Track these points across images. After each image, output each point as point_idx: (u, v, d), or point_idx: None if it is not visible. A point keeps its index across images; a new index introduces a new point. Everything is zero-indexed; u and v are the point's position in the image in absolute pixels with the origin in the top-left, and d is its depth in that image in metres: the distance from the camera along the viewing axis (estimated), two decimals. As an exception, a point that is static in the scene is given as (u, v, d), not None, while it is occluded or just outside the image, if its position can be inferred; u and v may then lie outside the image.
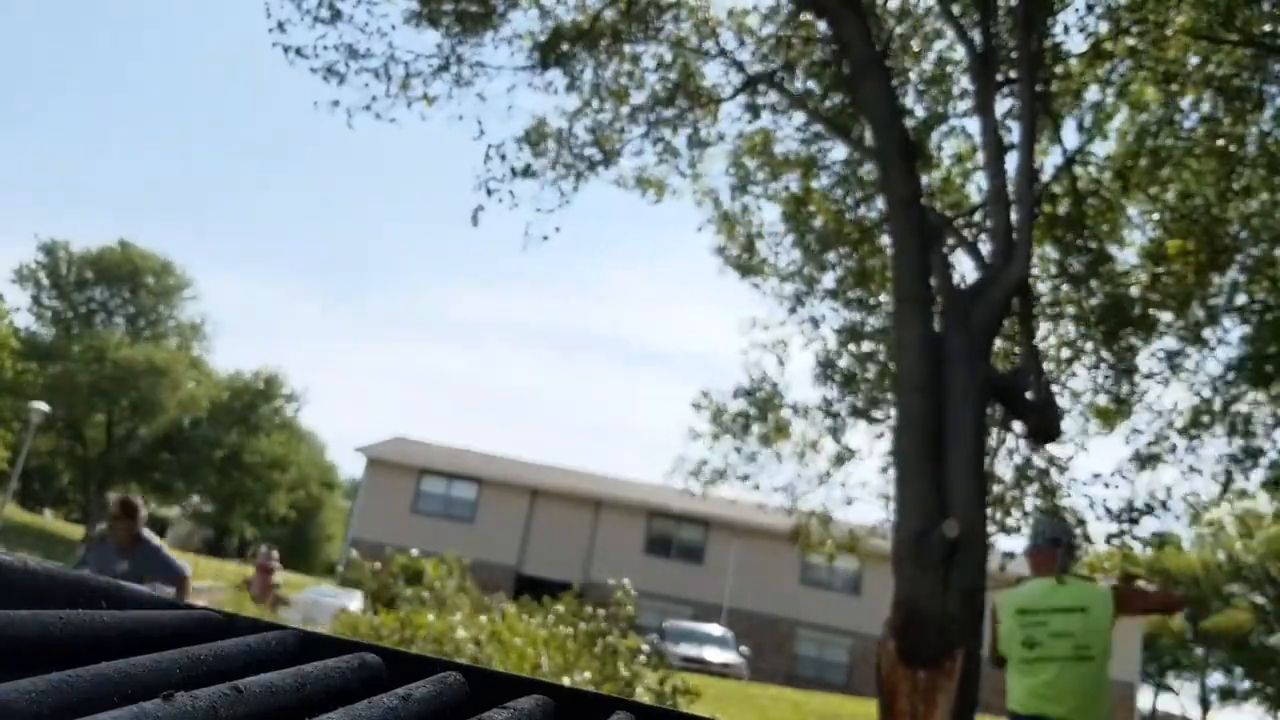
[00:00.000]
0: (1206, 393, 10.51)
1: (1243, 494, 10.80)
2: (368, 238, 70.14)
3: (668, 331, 65.72)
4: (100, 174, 60.48)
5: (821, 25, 8.91)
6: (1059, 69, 9.43)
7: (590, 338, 68.04)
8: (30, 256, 38.46)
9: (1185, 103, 9.88)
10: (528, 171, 9.46)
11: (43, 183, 55.86)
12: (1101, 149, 10.57)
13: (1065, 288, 10.65)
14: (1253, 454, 10.21)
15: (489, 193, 9.30)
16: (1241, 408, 10.39)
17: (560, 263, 66.02)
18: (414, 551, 14.61)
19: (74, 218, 57.85)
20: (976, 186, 10.34)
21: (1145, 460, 10.51)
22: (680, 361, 66.16)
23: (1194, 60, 9.49)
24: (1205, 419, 10.39)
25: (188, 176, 61.44)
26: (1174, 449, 10.56)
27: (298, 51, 8.93)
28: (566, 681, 6.08)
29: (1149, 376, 10.71)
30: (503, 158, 9.41)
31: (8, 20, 50.47)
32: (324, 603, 16.88)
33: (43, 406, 21.89)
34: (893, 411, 8.90)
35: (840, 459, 10.99)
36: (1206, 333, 10.65)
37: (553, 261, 65.95)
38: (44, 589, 0.60)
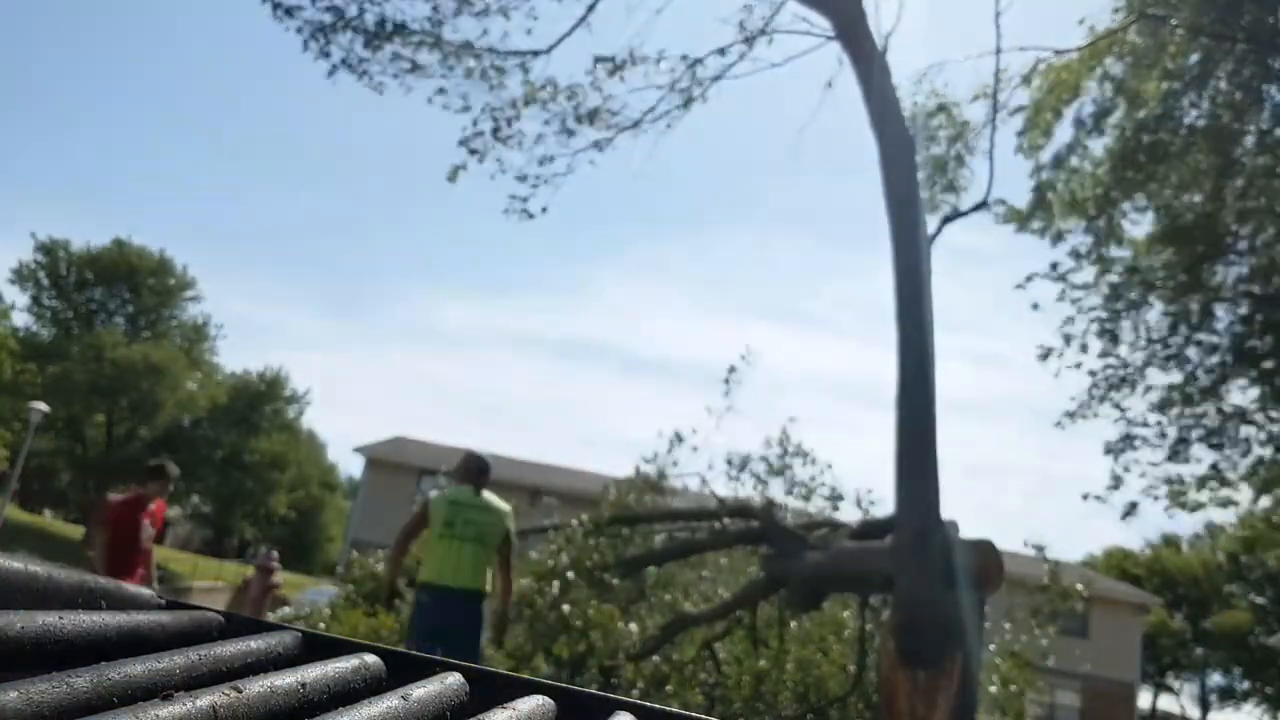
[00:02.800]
0: (1197, 380, 10.60)
1: (1224, 481, 10.86)
2: (362, 244, 70.17)
3: (658, 339, 65.78)
4: (102, 178, 60.50)
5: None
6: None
7: (583, 345, 68.05)
8: (29, 256, 38.42)
9: (1184, 99, 9.90)
10: (511, 137, 9.22)
11: (43, 183, 55.88)
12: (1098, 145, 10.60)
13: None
14: (1241, 444, 10.28)
15: (472, 152, 9.10)
16: (1235, 398, 10.47)
17: (551, 270, 65.99)
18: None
19: (74, 219, 57.92)
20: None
21: (1122, 442, 10.58)
22: (671, 368, 66.14)
23: (1194, 57, 9.50)
24: (1191, 396, 10.49)
25: (188, 182, 61.44)
26: (1162, 435, 10.64)
27: (287, 10, 8.79)
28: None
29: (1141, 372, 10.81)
30: (493, 118, 9.20)
31: (7, 19, 50.49)
32: (324, 604, 16.87)
33: (43, 406, 21.89)
34: None
35: None
36: (1202, 329, 10.74)
37: (544, 269, 65.87)
38: (44, 589, 0.60)
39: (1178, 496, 11.02)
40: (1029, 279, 11.11)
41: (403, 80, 9.28)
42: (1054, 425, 11.15)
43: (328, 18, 8.85)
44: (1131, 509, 11.05)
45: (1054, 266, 11.04)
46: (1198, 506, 10.87)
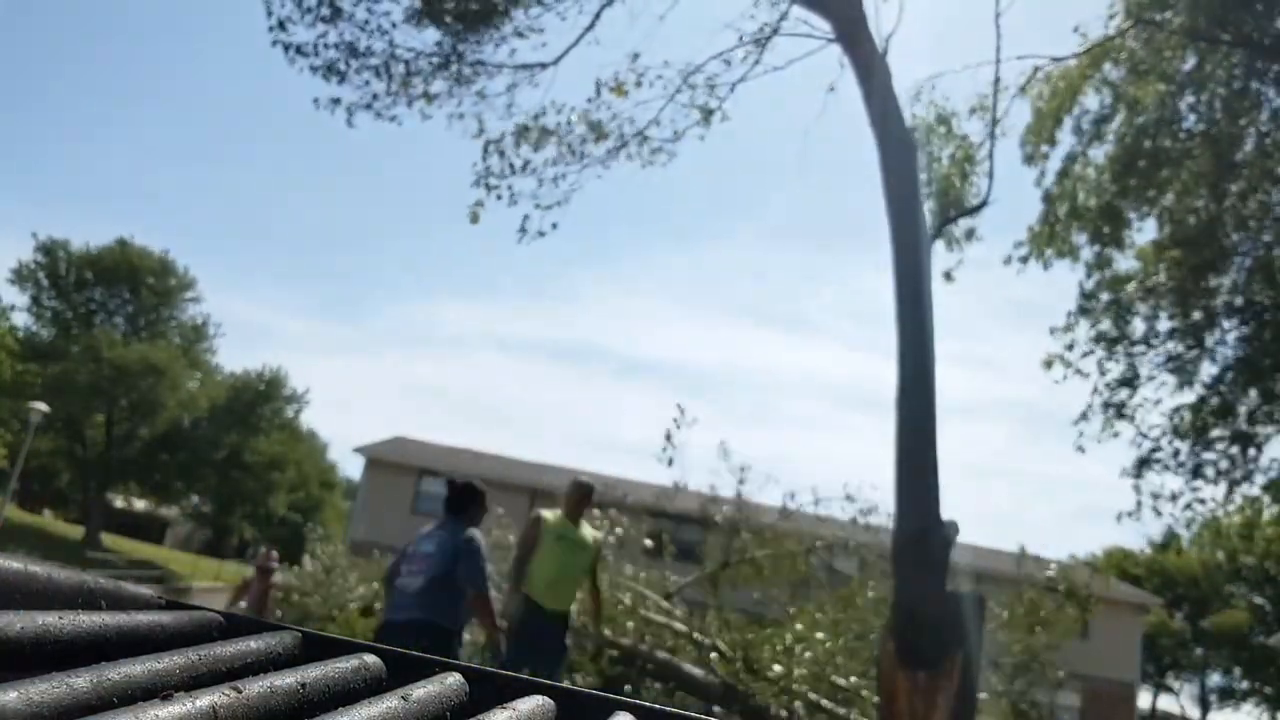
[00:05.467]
0: (1208, 398, 10.54)
1: (1252, 501, 10.80)
2: (360, 246, 70.12)
3: (655, 342, 65.72)
4: (102, 179, 60.48)
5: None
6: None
7: (580, 348, 67.98)
8: (29, 256, 38.37)
9: (1183, 104, 9.88)
10: (526, 167, 9.34)
11: (43, 183, 55.87)
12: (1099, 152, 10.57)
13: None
14: (1252, 443, 10.23)
15: (488, 188, 9.22)
16: (1242, 409, 10.42)
17: (550, 274, 65.90)
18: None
19: (74, 219, 57.87)
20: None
21: (1142, 464, 10.52)
22: (668, 371, 66.01)
23: (1191, 63, 9.49)
24: (1207, 419, 10.42)
25: (186, 183, 61.44)
26: (1176, 454, 10.58)
27: (298, 50, 8.91)
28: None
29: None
30: (501, 154, 9.34)
31: (7, 20, 50.48)
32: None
33: (42, 407, 21.85)
34: None
35: None
36: (1206, 335, 10.68)
37: (538, 274, 65.86)
38: (44, 589, 0.60)
39: (1208, 522, 10.97)
40: (1068, 316, 11.07)
41: (418, 108, 9.40)
42: (1076, 450, 10.92)
43: (340, 55, 8.94)
44: (1141, 525, 10.99)
45: (1087, 297, 10.97)
46: (1226, 529, 10.85)
